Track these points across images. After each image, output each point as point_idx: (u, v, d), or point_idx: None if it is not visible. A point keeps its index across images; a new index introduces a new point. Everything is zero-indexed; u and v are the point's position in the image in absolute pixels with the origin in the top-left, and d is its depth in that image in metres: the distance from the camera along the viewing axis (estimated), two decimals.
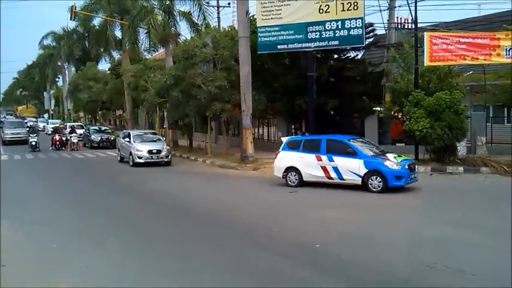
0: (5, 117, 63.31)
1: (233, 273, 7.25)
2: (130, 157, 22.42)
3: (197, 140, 29.04)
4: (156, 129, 33.05)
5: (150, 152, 22.09)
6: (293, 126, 25.59)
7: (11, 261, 7.81)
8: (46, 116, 74.13)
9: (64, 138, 31.87)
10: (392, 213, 11.31)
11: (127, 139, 23.47)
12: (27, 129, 36.37)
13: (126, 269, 7.61)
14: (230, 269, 7.46)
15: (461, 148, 18.56)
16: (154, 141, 23.84)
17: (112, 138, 32.01)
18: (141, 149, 22.20)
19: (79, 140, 32.46)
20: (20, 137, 34.07)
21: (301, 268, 7.37)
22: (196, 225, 10.50)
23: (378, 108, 22.00)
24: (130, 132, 25.08)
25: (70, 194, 15.07)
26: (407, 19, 22.67)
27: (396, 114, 20.45)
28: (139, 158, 21.95)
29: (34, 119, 64.18)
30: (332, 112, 23.48)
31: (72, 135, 31.90)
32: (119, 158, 24.55)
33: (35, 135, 30.95)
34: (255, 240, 9.04)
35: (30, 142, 29.91)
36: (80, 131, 35.90)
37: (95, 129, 35.03)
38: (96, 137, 32.36)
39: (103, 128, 36.63)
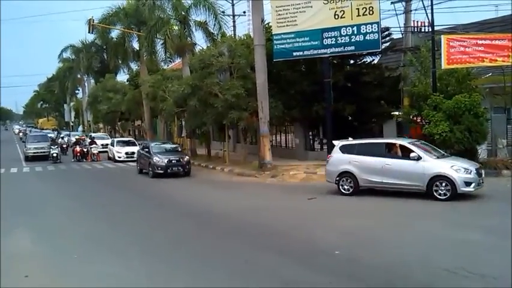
0: (30, 130, 63.43)
1: (254, 280, 7.25)
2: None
3: (215, 148, 29.17)
4: (174, 139, 33.29)
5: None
6: (310, 133, 25.52)
7: (34, 272, 7.95)
8: (81, 128, 70.33)
9: (85, 150, 31.94)
10: (411, 219, 11.20)
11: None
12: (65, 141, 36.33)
13: (149, 278, 7.65)
14: (251, 275, 7.47)
15: (482, 151, 18.30)
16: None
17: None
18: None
19: (102, 151, 32.75)
20: (44, 152, 32.37)
21: (320, 274, 7.34)
22: (216, 232, 10.54)
23: (396, 113, 21.81)
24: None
25: (92, 206, 15.26)
26: (424, 22, 22.42)
27: (415, 118, 20.24)
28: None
29: (52, 131, 65.20)
30: (350, 118, 23.37)
31: (92, 146, 32.00)
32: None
33: (56, 147, 31.13)
34: (276, 247, 9.03)
35: (52, 154, 30.11)
36: (105, 141, 36.32)
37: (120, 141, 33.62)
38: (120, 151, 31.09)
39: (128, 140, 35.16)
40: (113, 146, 31.91)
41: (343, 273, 7.37)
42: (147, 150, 23.49)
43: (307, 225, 10.94)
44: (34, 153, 32.21)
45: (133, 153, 28.83)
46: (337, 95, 21.16)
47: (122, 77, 51.30)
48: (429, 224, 10.46)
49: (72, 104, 75.73)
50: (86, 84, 61.02)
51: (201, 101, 23.46)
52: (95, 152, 31.58)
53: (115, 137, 42.36)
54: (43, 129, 71.36)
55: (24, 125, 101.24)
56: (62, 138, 40.17)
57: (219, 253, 8.90)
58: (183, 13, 29.34)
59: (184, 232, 10.81)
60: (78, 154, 31.16)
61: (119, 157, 30.29)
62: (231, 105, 22.11)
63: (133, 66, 44.28)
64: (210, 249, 9.25)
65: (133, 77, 43.76)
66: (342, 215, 12.11)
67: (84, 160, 31.40)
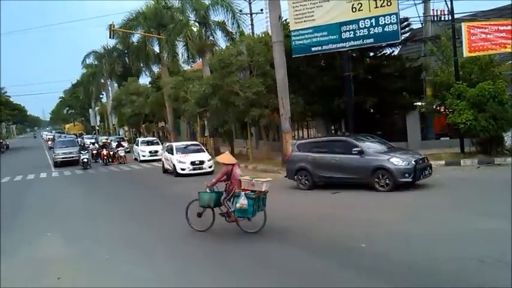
0: (59, 136, 63.56)
1: (280, 275, 7.37)
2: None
3: (238, 146, 29.37)
4: (197, 138, 33.60)
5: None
6: (332, 127, 25.48)
7: (67, 274, 8.20)
8: (122, 132, 65.51)
9: (112, 153, 32.04)
10: (433, 207, 11.14)
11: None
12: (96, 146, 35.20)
13: (177, 279, 7.81)
14: (277, 270, 7.57)
15: (508, 138, 18.00)
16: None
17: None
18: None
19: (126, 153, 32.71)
20: (72, 157, 31.67)
21: (347, 269, 7.42)
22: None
23: (419, 103, 21.60)
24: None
25: (121, 206, 15.57)
26: (443, 11, 22.17)
27: (438, 108, 20.06)
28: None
29: (75, 136, 66.51)
30: (372, 110, 23.25)
31: (119, 149, 31.93)
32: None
33: (85, 152, 30.48)
34: (303, 243, 9.14)
35: (82, 159, 29.49)
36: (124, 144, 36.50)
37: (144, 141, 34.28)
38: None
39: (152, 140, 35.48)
40: (138, 145, 32.91)
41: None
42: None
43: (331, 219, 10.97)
44: (63, 158, 31.87)
45: (156, 151, 30.54)
46: (358, 88, 21.08)
47: (144, 79, 52.05)
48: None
49: (97, 108, 77.07)
50: (110, 88, 62.05)
51: (222, 100, 23.67)
52: (122, 154, 31.50)
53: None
54: (78, 135, 71.64)
55: (52, 131, 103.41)
56: (93, 144, 38.90)
57: (244, 250, 9.02)
58: (202, 13, 29.58)
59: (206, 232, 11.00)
60: (105, 157, 31.12)
61: (143, 156, 31.08)
62: (252, 102, 22.25)
63: (155, 68, 44.85)
64: (237, 246, 9.38)
65: (155, 79, 44.31)
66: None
67: (111, 162, 31.30)
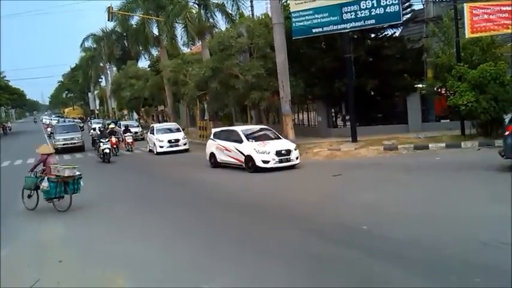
0: (58, 121, 60.61)
1: (281, 257, 7.37)
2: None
3: None
4: (197, 122, 33.53)
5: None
6: (333, 110, 25.39)
7: (68, 257, 8.20)
8: (136, 116, 58.65)
9: (120, 139, 27.67)
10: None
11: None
12: (97, 132, 28.25)
13: (181, 261, 7.78)
14: (279, 254, 7.58)
15: (509, 120, 17.90)
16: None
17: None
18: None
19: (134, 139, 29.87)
20: (74, 143, 29.44)
21: (349, 250, 7.42)
22: (243, 212, 10.68)
23: (420, 85, 21.49)
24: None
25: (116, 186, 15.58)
26: None
27: (439, 90, 19.97)
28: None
29: (81, 120, 66.24)
30: (372, 93, 23.15)
31: (126, 134, 28.82)
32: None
33: (106, 140, 23.60)
34: (299, 225, 9.14)
35: (103, 150, 22.87)
36: (136, 129, 35.21)
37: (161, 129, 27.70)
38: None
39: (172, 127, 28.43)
40: (153, 133, 26.82)
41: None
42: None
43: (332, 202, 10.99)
44: (64, 144, 29.13)
45: (177, 140, 25.46)
46: (358, 70, 20.95)
47: (143, 63, 51.72)
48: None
49: (96, 92, 76.80)
50: (109, 72, 61.75)
51: (222, 83, 23.55)
52: (129, 140, 28.36)
53: (138, 123, 42.74)
54: (85, 119, 69.88)
55: (52, 115, 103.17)
56: (94, 129, 34.27)
57: (246, 231, 9.04)
58: None
59: (205, 211, 10.99)
60: (115, 146, 25.89)
61: (161, 146, 25.24)
62: (252, 85, 22.13)
63: (154, 52, 44.56)
64: (236, 228, 9.39)
65: (154, 62, 44.05)
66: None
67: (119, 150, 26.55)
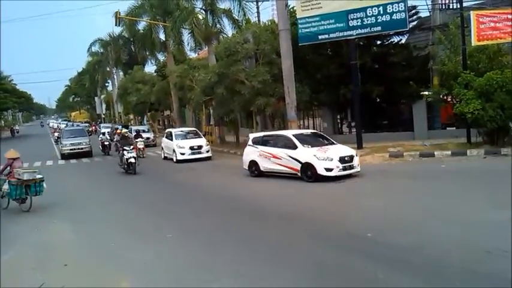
0: (66, 124, 60.51)
1: (286, 264, 7.36)
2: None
3: (243, 135, 29.28)
4: (203, 127, 33.57)
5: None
6: (338, 116, 25.38)
7: (73, 261, 8.22)
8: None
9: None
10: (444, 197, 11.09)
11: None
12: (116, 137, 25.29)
13: (183, 266, 7.78)
14: (283, 260, 7.56)
15: None
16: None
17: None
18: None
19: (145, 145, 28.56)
20: (82, 148, 28.46)
21: (353, 258, 7.40)
22: (246, 217, 10.68)
23: (426, 93, 21.45)
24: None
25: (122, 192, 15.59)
26: None
27: (445, 97, 19.93)
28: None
29: (89, 124, 66.39)
30: (378, 99, 23.14)
31: (137, 140, 26.83)
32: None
33: (131, 148, 20.22)
34: (305, 231, 9.12)
35: (127, 160, 19.62)
36: (147, 135, 33.43)
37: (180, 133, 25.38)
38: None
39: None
40: (171, 139, 24.58)
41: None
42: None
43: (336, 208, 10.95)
44: (71, 149, 28.32)
45: (200, 147, 23.31)
46: (364, 77, 20.96)
47: (150, 68, 51.99)
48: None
49: (102, 96, 77.16)
50: (115, 76, 62.05)
51: (228, 89, 23.60)
52: (141, 146, 26.48)
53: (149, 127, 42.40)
54: (85, 122, 69.45)
55: (58, 119, 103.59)
56: (103, 134, 33.29)
57: (251, 238, 9.02)
58: (209, 1, 29.40)
59: (210, 214, 10.99)
60: (142, 153, 24.30)
61: (182, 153, 23.04)
62: (258, 91, 22.17)
63: (160, 57, 44.76)
64: (240, 234, 9.38)
65: (161, 67, 44.23)
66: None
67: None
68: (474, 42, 17.81)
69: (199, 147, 23.26)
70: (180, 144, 23.35)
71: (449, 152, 17.44)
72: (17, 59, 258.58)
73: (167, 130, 27.98)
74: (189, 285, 6.73)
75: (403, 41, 24.84)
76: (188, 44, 33.57)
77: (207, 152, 23.43)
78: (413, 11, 22.52)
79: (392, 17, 18.79)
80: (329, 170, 14.28)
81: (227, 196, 13.54)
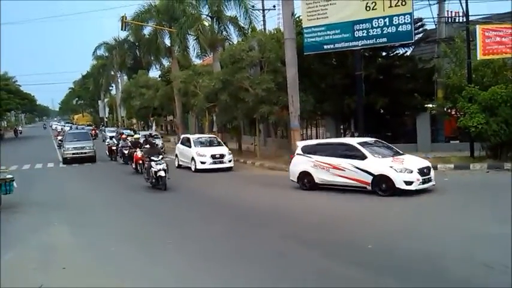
0: (70, 127, 59.12)
1: (285, 274, 7.29)
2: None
3: (246, 142, 29.32)
4: (205, 133, 33.53)
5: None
6: (342, 127, 25.36)
7: (73, 264, 8.21)
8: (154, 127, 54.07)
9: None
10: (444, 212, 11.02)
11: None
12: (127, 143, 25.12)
13: (184, 274, 7.73)
14: (284, 270, 7.52)
15: None
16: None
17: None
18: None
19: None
20: (85, 153, 27.08)
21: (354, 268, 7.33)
22: (250, 225, 10.62)
23: (430, 105, 21.45)
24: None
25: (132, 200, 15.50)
26: (458, 12, 21.98)
27: (449, 110, 19.92)
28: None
29: (89, 127, 66.40)
30: (382, 111, 23.12)
31: (146, 146, 21.86)
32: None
33: (160, 158, 16.71)
34: (304, 240, 9.06)
35: (156, 173, 16.16)
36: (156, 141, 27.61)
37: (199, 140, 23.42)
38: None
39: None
40: (188, 145, 22.83)
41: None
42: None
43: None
44: (74, 154, 26.95)
45: (222, 156, 21.65)
46: (369, 88, 20.96)
47: (154, 73, 52.03)
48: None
49: (106, 100, 77.34)
50: (119, 80, 62.19)
51: (231, 96, 23.61)
52: None
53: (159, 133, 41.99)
54: (87, 125, 67.60)
55: (61, 121, 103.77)
56: (111, 138, 31.07)
57: (252, 246, 8.96)
58: (214, 8, 29.51)
59: (210, 222, 10.94)
60: (141, 162, 20.17)
61: (203, 162, 21.42)
62: (262, 99, 22.18)
63: (165, 62, 44.86)
64: (243, 243, 9.33)
65: (165, 73, 44.33)
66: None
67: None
68: (479, 56, 17.84)
69: (222, 156, 21.59)
70: (200, 152, 21.72)
71: (452, 165, 17.41)
72: (22, 60, 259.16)
73: (183, 136, 26.08)
74: None
75: (408, 53, 24.88)
76: (194, 50, 33.69)
77: (229, 161, 21.71)
78: (419, 23, 22.55)
79: (398, 29, 18.82)
80: (409, 183, 12.82)
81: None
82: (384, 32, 19.08)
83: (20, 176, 17.55)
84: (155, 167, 16.18)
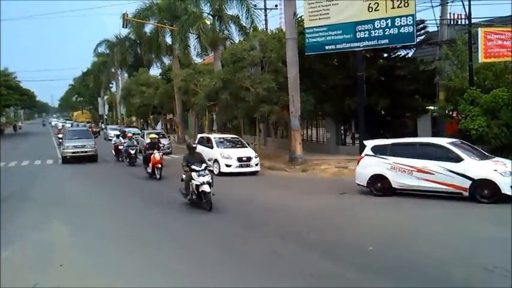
0: (71, 124, 57.87)
1: (284, 275, 7.24)
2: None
3: (246, 141, 29.22)
4: (205, 132, 33.51)
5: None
6: (342, 127, 25.31)
7: (70, 263, 8.16)
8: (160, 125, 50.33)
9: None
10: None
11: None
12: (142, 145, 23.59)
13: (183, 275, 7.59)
14: (282, 271, 7.47)
15: None
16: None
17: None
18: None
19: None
20: (86, 152, 25.53)
21: (350, 269, 7.29)
22: (246, 225, 10.57)
23: (431, 107, 21.41)
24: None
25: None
26: (460, 15, 21.93)
27: (451, 113, 19.87)
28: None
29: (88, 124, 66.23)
30: (383, 112, 23.08)
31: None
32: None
33: (203, 167, 12.68)
34: (308, 242, 9.00)
35: (198, 185, 12.30)
36: (163, 141, 26.81)
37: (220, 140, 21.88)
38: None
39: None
40: (209, 146, 21.04)
41: (374, 268, 7.31)
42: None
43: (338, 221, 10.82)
44: (73, 153, 25.26)
45: (249, 159, 19.88)
46: (370, 89, 20.93)
47: (155, 71, 52.01)
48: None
49: (106, 97, 77.27)
50: (120, 78, 62.14)
51: (232, 95, 23.57)
52: (158, 157, 18.95)
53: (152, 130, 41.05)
54: (87, 122, 66.35)
55: (60, 118, 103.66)
56: (117, 136, 28.00)
57: (249, 247, 8.95)
58: (216, 6, 29.45)
59: (209, 224, 10.88)
60: (159, 164, 18.72)
61: (228, 165, 19.59)
62: (262, 99, 22.14)
63: (166, 60, 44.83)
64: (241, 243, 9.29)
65: (166, 71, 44.27)
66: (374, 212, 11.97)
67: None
68: (481, 59, 17.81)
69: (249, 159, 19.77)
70: (225, 154, 19.87)
71: None
72: (23, 56, 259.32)
73: (200, 135, 23.97)
74: None
75: (410, 55, 24.84)
76: (195, 49, 33.66)
77: (256, 165, 19.99)
78: (421, 25, 22.49)
79: (400, 31, 18.80)
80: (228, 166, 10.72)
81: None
82: (386, 33, 19.06)
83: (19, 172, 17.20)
84: (197, 180, 12.28)
